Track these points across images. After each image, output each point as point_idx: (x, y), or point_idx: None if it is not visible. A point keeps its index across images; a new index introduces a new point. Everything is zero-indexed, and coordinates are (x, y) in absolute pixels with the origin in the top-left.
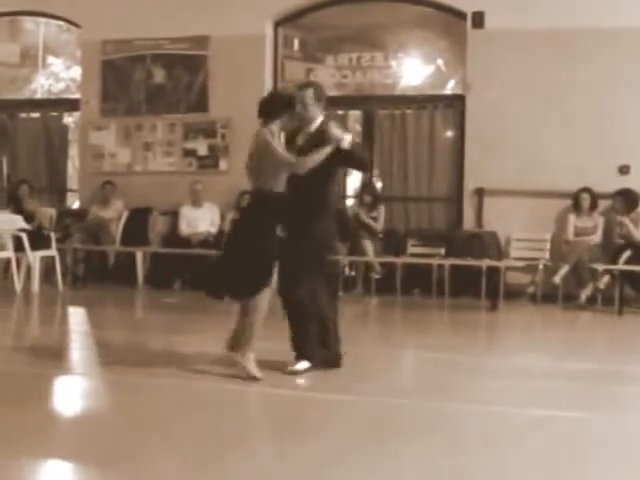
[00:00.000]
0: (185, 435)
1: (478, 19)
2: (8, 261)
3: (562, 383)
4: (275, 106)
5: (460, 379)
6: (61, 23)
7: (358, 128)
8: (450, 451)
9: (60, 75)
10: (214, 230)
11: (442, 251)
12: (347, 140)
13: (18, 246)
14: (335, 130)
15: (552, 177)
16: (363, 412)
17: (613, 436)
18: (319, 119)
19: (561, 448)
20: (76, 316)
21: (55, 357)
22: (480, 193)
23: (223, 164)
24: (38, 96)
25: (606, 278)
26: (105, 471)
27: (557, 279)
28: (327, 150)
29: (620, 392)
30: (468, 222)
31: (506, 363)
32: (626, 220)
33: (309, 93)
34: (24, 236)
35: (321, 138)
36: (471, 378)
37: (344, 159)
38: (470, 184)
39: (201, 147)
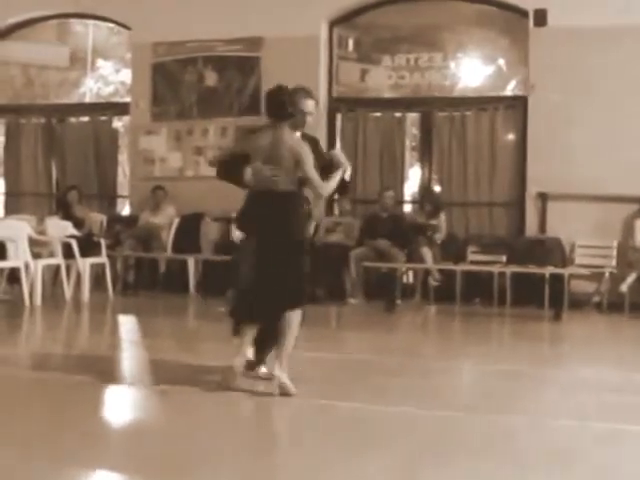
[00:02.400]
0: (236, 448)
1: (540, 17)
2: (58, 268)
3: (630, 396)
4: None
5: (523, 392)
6: (111, 25)
7: (415, 131)
8: (514, 467)
9: (109, 78)
10: None
11: (503, 258)
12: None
13: (68, 253)
14: (342, 158)
15: (618, 181)
16: (424, 426)
17: None
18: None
19: (629, 464)
20: (126, 324)
21: (105, 366)
22: (543, 198)
23: None
24: (87, 100)
25: None
26: None
27: (624, 287)
28: (338, 176)
29: None
30: (531, 228)
31: (571, 375)
32: None
33: None
34: (74, 243)
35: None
36: (535, 391)
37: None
38: (533, 188)
39: None
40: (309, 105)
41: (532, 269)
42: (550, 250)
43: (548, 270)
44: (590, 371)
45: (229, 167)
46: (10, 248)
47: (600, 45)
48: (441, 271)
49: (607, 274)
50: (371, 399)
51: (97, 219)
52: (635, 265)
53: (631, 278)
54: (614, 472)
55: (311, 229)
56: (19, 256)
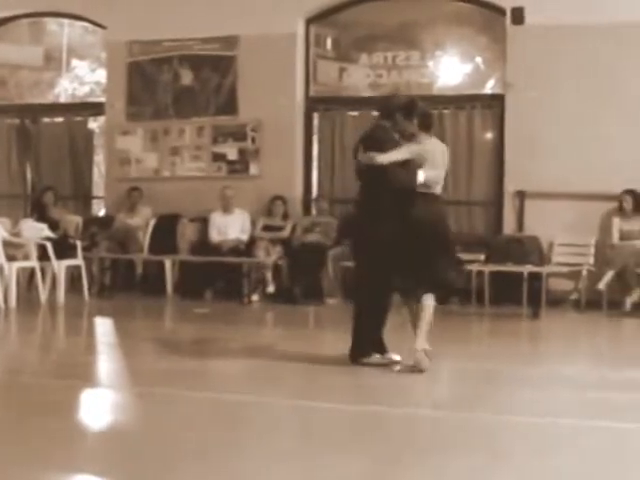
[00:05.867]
0: (215, 450)
1: (518, 15)
2: (32, 271)
3: (608, 393)
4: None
5: (501, 390)
6: (86, 24)
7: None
8: (493, 465)
9: (85, 78)
10: (245, 237)
11: (481, 257)
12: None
13: (43, 255)
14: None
15: (596, 179)
16: (400, 425)
17: None
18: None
19: (608, 461)
20: (103, 327)
21: (82, 369)
22: (521, 196)
23: (254, 168)
24: (62, 100)
25: None
26: None
27: (602, 285)
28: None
29: None
30: (508, 226)
31: (549, 373)
32: None
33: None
34: (49, 245)
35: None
36: (513, 389)
37: None
38: (510, 187)
39: (231, 151)
40: None
41: (510, 267)
42: (528, 248)
43: (526, 268)
44: (568, 368)
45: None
46: None
47: (577, 43)
48: None
49: (585, 272)
50: (344, 398)
51: (73, 221)
52: (612, 263)
53: (609, 276)
54: (593, 468)
55: None
56: None
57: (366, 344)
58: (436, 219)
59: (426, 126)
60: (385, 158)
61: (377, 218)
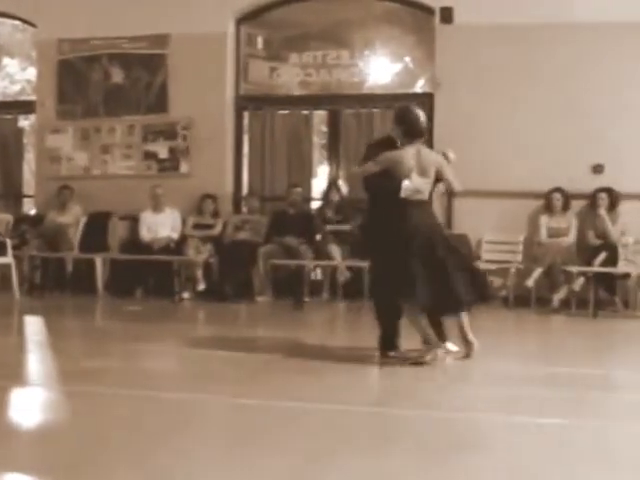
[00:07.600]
0: (144, 448)
1: (447, 14)
2: None
3: (536, 389)
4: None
5: (430, 386)
6: (16, 22)
7: (324, 128)
8: (420, 461)
9: (15, 77)
10: (175, 235)
11: None
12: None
13: None
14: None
15: (524, 177)
16: (331, 421)
17: (589, 442)
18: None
19: (536, 455)
20: (33, 325)
21: (11, 368)
22: (449, 194)
23: (184, 167)
24: None
25: (580, 280)
26: None
27: (530, 282)
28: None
29: (595, 397)
30: None
31: (477, 369)
32: (603, 212)
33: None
34: None
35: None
36: (441, 385)
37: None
38: (439, 185)
39: (161, 149)
40: None
41: None
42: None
43: None
44: (496, 364)
45: (378, 180)
46: None
47: (505, 43)
48: (350, 268)
49: (513, 269)
50: (272, 395)
51: (3, 219)
52: (540, 260)
53: (537, 273)
54: (522, 463)
55: None
56: None
57: (393, 339)
58: (429, 228)
59: (410, 135)
60: (358, 171)
61: (374, 226)
